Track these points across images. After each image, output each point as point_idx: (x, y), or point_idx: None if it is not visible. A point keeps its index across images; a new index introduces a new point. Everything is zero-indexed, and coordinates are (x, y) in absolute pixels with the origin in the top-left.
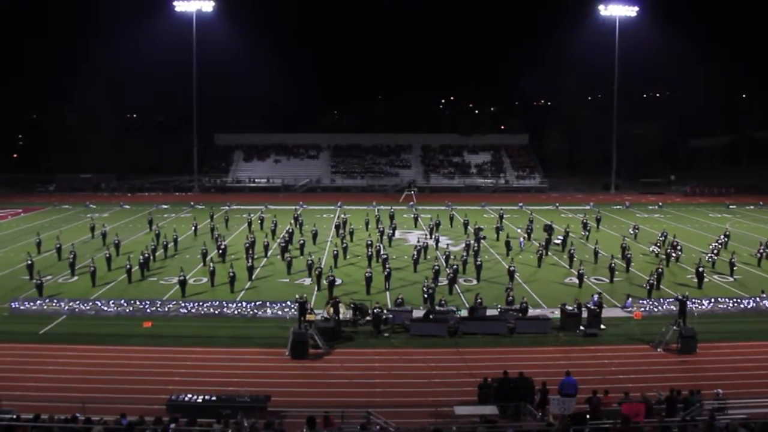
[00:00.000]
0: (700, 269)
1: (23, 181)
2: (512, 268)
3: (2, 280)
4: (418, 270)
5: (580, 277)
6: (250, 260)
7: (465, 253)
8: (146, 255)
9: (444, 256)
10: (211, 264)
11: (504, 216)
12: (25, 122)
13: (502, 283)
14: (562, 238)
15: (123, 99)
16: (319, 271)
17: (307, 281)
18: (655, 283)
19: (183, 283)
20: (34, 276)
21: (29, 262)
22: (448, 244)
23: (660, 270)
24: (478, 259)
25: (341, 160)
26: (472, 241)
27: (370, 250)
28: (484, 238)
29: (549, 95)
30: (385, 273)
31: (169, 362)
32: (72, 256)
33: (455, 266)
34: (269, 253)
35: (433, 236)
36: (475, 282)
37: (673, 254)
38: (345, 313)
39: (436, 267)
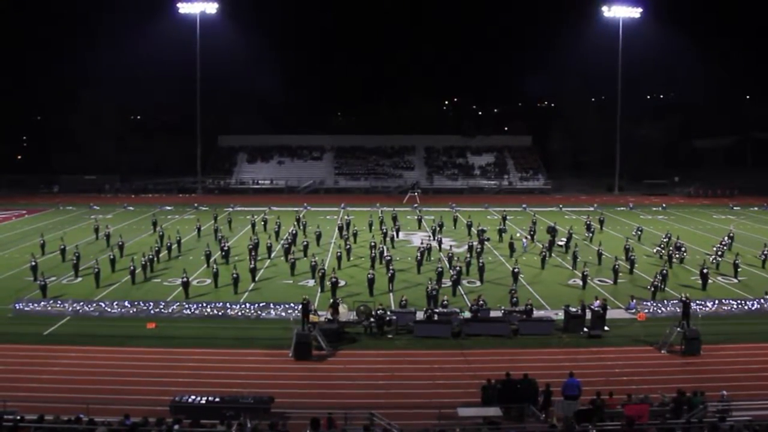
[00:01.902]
0: (705, 270)
1: (27, 183)
2: (516, 270)
3: (6, 281)
4: (422, 271)
5: (584, 278)
6: (252, 262)
7: (468, 255)
8: (150, 256)
9: (447, 258)
10: (214, 265)
11: (507, 217)
12: (29, 123)
13: (506, 284)
14: (565, 239)
15: (127, 100)
16: (322, 273)
17: (311, 282)
18: (660, 285)
19: (186, 285)
20: (38, 277)
21: (33, 263)
22: (451, 246)
23: (665, 272)
24: (481, 261)
25: (345, 162)
26: (474, 243)
27: (373, 251)
28: (488, 239)
29: (552, 96)
30: (389, 274)
31: (172, 363)
32: (75, 258)
33: (458, 267)
34: (273, 255)
35: (436, 238)
36: (478, 284)
37: (677, 256)
38: (348, 314)
39: (440, 269)
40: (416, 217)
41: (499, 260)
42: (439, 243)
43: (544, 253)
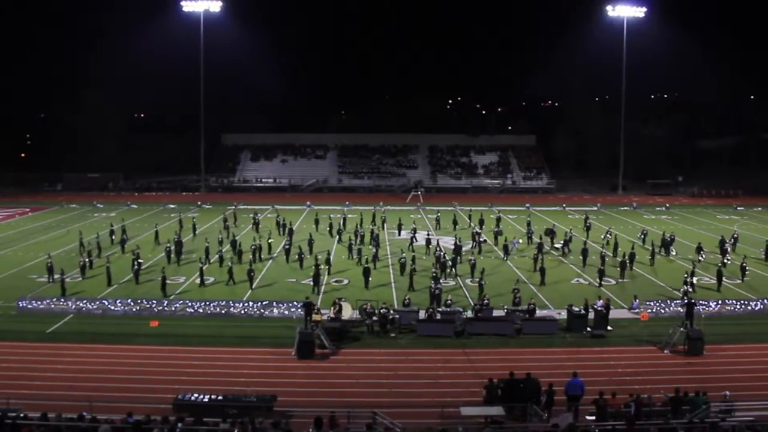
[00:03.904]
0: (721, 271)
1: (31, 181)
2: (543, 267)
3: (10, 279)
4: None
5: (601, 273)
6: (235, 258)
7: (470, 255)
8: (169, 246)
9: (435, 249)
10: (201, 264)
11: (501, 218)
12: (33, 122)
13: (509, 284)
14: (563, 242)
15: (130, 98)
16: (318, 265)
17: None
18: (690, 288)
19: (164, 282)
20: (56, 274)
21: (49, 263)
22: (438, 240)
23: (695, 278)
24: (472, 258)
25: (348, 160)
26: (456, 242)
27: (372, 244)
28: (485, 241)
29: (556, 96)
30: (410, 274)
31: (175, 361)
32: (83, 260)
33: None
34: (275, 254)
35: (416, 233)
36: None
37: (699, 259)
38: (352, 313)
39: (434, 273)
40: (435, 217)
41: (502, 260)
42: (414, 238)
43: (536, 256)
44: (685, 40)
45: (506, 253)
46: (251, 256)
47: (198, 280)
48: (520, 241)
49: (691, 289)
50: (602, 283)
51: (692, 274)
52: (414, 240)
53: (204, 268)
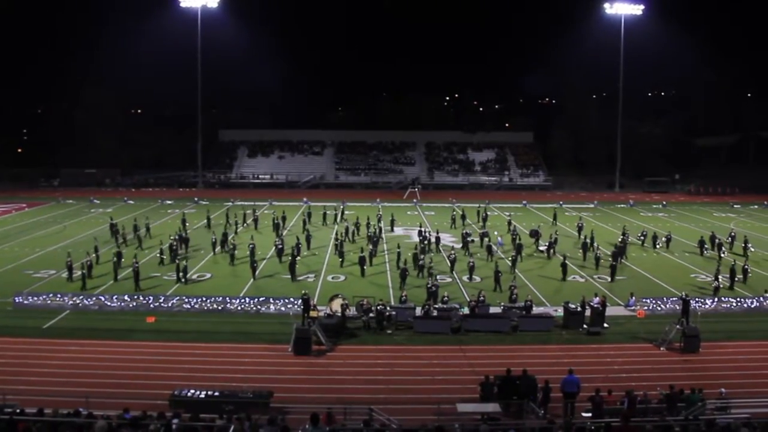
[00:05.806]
0: (734, 269)
1: (28, 176)
2: (565, 264)
3: (7, 274)
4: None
5: (613, 268)
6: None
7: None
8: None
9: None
10: (182, 261)
11: (487, 218)
12: (31, 117)
13: (506, 282)
14: (548, 243)
15: (128, 94)
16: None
17: (311, 278)
18: (718, 284)
19: (136, 275)
20: (74, 270)
21: (68, 261)
22: (426, 230)
23: (719, 269)
24: (471, 260)
25: (345, 157)
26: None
27: (369, 230)
28: (473, 241)
29: (554, 93)
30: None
31: (172, 357)
32: (89, 259)
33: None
34: (269, 255)
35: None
36: (478, 279)
37: (704, 251)
38: (348, 310)
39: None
40: (452, 215)
41: (486, 261)
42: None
43: (513, 257)
44: (682, 38)
45: (490, 254)
46: (249, 253)
47: (191, 276)
48: (500, 237)
49: (719, 285)
50: (614, 279)
51: (719, 270)
52: (380, 237)
53: (178, 262)
